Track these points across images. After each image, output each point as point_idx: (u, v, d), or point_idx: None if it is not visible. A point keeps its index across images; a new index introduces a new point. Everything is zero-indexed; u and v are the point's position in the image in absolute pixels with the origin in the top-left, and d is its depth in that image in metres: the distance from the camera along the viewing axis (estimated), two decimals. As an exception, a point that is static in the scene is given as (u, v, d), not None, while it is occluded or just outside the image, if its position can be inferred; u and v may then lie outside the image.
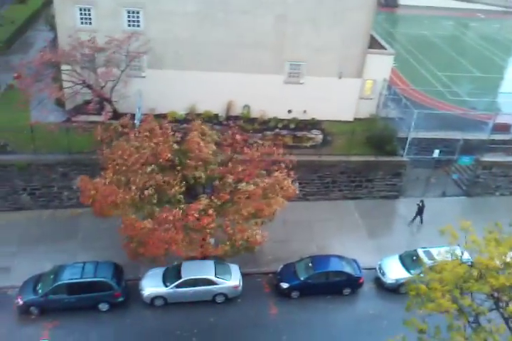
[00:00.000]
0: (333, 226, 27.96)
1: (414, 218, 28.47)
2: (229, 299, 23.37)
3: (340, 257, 24.86)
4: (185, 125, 28.98)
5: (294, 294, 23.90)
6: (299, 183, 28.81)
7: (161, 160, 20.92)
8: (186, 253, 21.25)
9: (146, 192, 20.18)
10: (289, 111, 31.06)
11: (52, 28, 32.22)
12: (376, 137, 29.17)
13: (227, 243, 21.09)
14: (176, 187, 20.32)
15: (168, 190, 20.35)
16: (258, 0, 28.53)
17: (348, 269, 24.17)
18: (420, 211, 28.27)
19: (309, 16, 29.09)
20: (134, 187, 20.15)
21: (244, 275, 23.99)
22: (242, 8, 28.65)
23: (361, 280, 24.25)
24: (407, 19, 58.66)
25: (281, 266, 24.78)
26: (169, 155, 20.96)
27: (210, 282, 22.91)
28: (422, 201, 28.34)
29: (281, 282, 23.97)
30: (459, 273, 16.90)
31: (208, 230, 20.29)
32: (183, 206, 20.27)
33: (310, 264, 24.27)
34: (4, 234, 26.03)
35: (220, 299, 23.30)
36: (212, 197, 20.94)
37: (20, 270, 23.93)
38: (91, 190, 20.63)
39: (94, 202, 20.76)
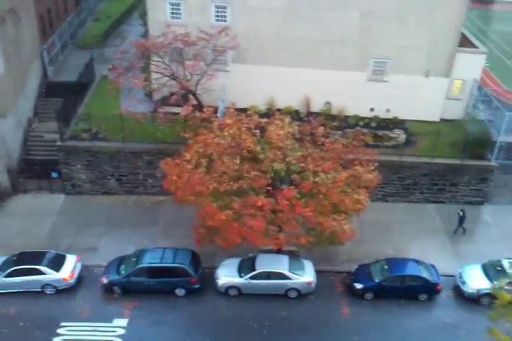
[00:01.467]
0: (412, 230, 27.06)
1: (457, 228, 26.92)
2: (301, 295, 23.29)
3: (417, 261, 24.05)
4: (265, 119, 29.30)
5: (368, 296, 23.44)
6: (378, 183, 28.21)
7: (244, 150, 21.10)
8: (265, 243, 21.18)
9: (229, 183, 20.38)
10: (372, 109, 30.39)
11: (145, 22, 33.49)
12: (469, 140, 27.78)
13: (311, 233, 20.84)
14: (263, 179, 20.41)
15: (253, 181, 20.46)
16: (345, -4, 28.14)
17: (425, 274, 23.35)
18: (461, 221, 26.68)
19: (397, 13, 28.28)
20: (216, 176, 20.40)
21: (317, 272, 23.80)
22: (329, 4, 28.36)
23: (439, 287, 23.34)
24: (502, 16, 55.13)
25: (356, 267, 24.39)
26: (251, 145, 21.10)
27: (283, 276, 22.93)
28: (462, 210, 26.75)
29: (355, 282, 23.58)
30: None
31: (295, 220, 20.14)
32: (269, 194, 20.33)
33: (386, 267, 23.69)
34: (93, 215, 27.51)
35: (292, 294, 23.27)
36: (293, 188, 20.77)
37: (105, 250, 25.22)
38: (173, 176, 21.13)
39: (177, 189, 21.25)
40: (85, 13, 41.53)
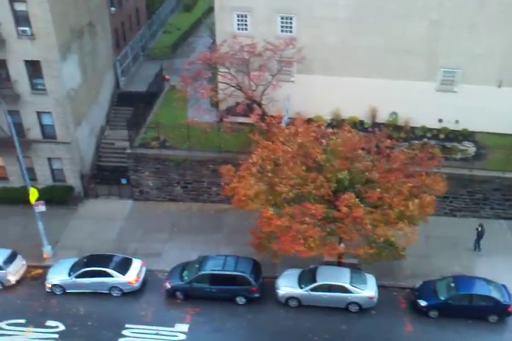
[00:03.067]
0: (482, 246, 25.86)
1: (477, 244, 25.69)
2: (363, 309, 22.89)
3: (487, 280, 23.01)
4: (329, 130, 29.16)
5: (432, 313, 22.68)
6: (446, 197, 27.32)
7: (310, 159, 21.09)
8: (316, 252, 20.95)
9: (290, 189, 20.44)
10: (440, 121, 29.48)
11: (213, 33, 34.39)
12: None
13: (373, 245, 20.52)
14: (326, 188, 20.32)
15: (315, 190, 20.41)
16: (413, 5, 27.56)
17: (495, 294, 22.30)
18: (480, 236, 25.39)
19: (468, 21, 27.38)
20: (280, 184, 20.49)
21: (380, 287, 23.32)
22: (396, 13, 27.89)
23: (511, 309, 22.15)
24: None
25: (421, 283, 23.67)
26: (318, 155, 21.07)
27: (344, 289, 22.64)
28: (481, 225, 25.39)
29: (419, 299, 22.88)
30: None
31: (356, 230, 19.90)
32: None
33: (452, 284, 22.84)
34: (159, 222, 28.39)
35: (353, 308, 22.93)
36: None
37: (169, 256, 25.96)
38: (233, 180, 21.44)
39: (234, 194, 21.52)
40: (156, 25, 43.22)
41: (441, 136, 28.93)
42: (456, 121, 29.30)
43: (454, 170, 26.82)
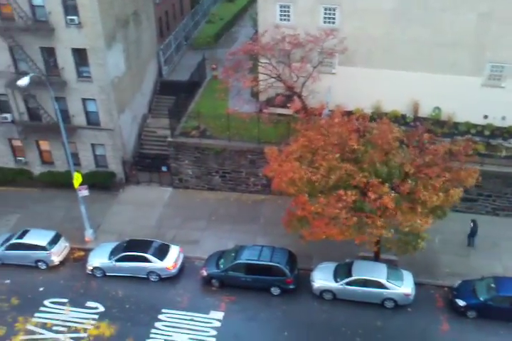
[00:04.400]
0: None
1: (470, 239, 25.22)
2: (398, 306, 22.69)
3: (529, 283, 22.40)
4: (371, 123, 28.83)
5: (471, 314, 22.28)
6: (489, 196, 26.68)
7: (347, 149, 20.97)
8: (348, 236, 20.77)
9: (327, 176, 20.39)
10: (485, 117, 28.65)
11: (255, 24, 34.34)
12: None
13: (390, 229, 20.31)
14: (362, 177, 20.20)
15: (351, 180, 20.34)
16: (461, -4, 26.76)
17: (537, 297, 21.67)
18: (473, 232, 24.86)
19: (520, 14, 26.41)
20: (319, 170, 20.48)
21: (417, 284, 23.07)
22: (442, 5, 27.05)
23: (554, 314, 21.57)
24: None
25: (459, 282, 23.29)
26: (356, 145, 20.88)
27: (380, 285, 22.49)
28: (473, 221, 24.84)
29: (458, 299, 22.51)
30: None
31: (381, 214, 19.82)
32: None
33: (492, 285, 22.34)
34: (198, 210, 28.86)
35: (389, 304, 22.77)
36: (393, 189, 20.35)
37: (206, 244, 26.38)
38: (275, 162, 21.50)
39: (275, 176, 21.53)
40: (199, 15, 43.45)
41: (486, 132, 28.09)
42: (503, 118, 28.38)
43: (499, 168, 26.11)
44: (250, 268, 23.33)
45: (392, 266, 23.41)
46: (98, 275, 25.07)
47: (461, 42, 27.61)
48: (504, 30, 26.81)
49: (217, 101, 30.38)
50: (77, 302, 23.72)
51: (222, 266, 23.89)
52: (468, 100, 28.34)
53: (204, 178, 30.11)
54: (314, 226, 20.70)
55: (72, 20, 26.56)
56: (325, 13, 28.99)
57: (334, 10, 28.83)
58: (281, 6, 29.38)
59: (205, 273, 24.11)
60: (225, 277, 23.75)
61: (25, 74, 25.31)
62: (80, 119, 29.52)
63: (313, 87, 28.08)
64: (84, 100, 28.98)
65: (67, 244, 26.58)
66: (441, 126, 28.33)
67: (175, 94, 31.44)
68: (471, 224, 25.36)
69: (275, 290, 23.51)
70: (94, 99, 28.87)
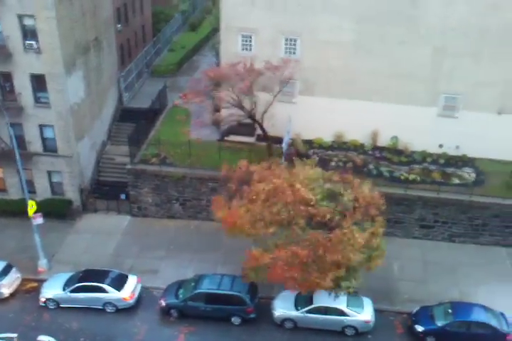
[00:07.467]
0: (480, 273, 25.78)
1: None
2: (359, 333, 22.62)
3: (485, 307, 22.82)
4: (330, 152, 29.31)
5: (429, 339, 22.45)
6: (445, 222, 27.26)
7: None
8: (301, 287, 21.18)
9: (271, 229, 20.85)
10: (440, 146, 29.63)
11: (217, 53, 34.76)
12: None
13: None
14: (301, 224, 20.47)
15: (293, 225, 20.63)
16: (417, 32, 27.95)
17: (493, 322, 22.10)
18: None
19: (471, 49, 27.76)
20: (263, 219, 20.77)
21: (376, 311, 23.12)
22: (400, 39, 28.26)
23: (509, 338, 21.91)
24: None
25: (418, 308, 23.45)
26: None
27: (341, 312, 22.46)
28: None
29: (416, 324, 22.65)
30: None
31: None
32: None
33: (450, 310, 22.64)
34: (157, 238, 28.25)
35: (349, 332, 22.69)
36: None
37: (165, 273, 25.76)
38: (221, 211, 21.65)
39: (223, 222, 21.71)
40: (161, 43, 43.69)
41: (441, 161, 29.02)
42: (457, 147, 29.44)
43: (454, 195, 26.85)
44: (210, 298, 22.91)
45: (352, 294, 23.37)
46: (51, 307, 24.02)
47: (417, 74, 28.72)
48: (457, 64, 28.11)
49: (178, 128, 30.29)
50: (28, 336, 22.44)
51: (181, 296, 23.36)
52: (425, 130, 29.34)
53: (164, 206, 29.65)
54: (271, 274, 20.82)
55: (30, 45, 26.19)
56: (286, 44, 29.66)
57: (295, 41, 29.55)
58: (243, 36, 29.92)
59: (163, 303, 23.49)
60: (185, 307, 23.20)
61: (-21, 99, 24.70)
62: (36, 146, 28.78)
63: (274, 115, 28.41)
64: (41, 126, 28.35)
65: (18, 275, 25.42)
66: (398, 155, 29.08)
67: (135, 122, 31.21)
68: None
69: (236, 320, 23.09)
70: (51, 126, 28.27)
